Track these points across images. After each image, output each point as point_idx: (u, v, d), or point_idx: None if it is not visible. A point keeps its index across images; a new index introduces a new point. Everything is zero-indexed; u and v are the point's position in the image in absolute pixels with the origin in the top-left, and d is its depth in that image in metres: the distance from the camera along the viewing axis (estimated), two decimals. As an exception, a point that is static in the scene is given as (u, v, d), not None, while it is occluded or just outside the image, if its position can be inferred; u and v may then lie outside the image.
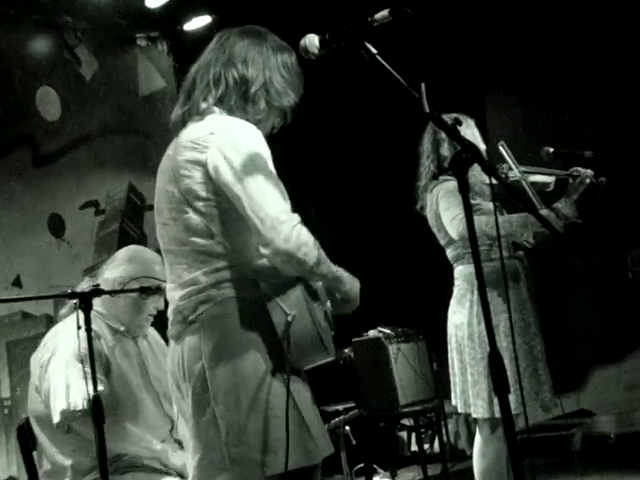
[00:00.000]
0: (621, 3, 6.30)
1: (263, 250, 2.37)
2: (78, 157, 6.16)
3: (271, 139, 2.57)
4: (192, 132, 2.49)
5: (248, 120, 2.52)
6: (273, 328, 2.36)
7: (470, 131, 4.15)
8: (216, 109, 2.52)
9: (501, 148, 4.04)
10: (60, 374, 3.35)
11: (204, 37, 6.56)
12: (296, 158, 8.06)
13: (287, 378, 2.35)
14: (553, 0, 6.56)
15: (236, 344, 2.38)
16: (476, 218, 3.33)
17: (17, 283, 5.59)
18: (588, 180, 4.08)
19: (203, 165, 2.42)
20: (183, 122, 2.55)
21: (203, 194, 2.43)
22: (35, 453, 3.45)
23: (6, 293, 5.43)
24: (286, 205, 2.41)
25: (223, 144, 2.40)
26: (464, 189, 2.15)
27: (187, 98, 2.58)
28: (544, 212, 4.12)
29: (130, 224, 6.47)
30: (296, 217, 2.41)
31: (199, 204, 2.43)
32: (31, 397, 3.47)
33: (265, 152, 2.45)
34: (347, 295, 2.61)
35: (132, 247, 3.86)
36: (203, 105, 2.53)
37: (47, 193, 5.96)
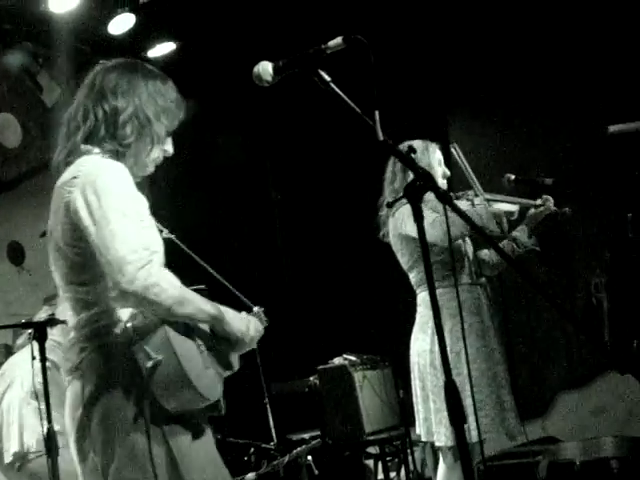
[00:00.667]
0: (581, 32, 6.37)
1: (112, 293, 2.35)
2: (38, 184, 6.08)
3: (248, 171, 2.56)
4: (63, 177, 2.49)
5: (119, 149, 2.52)
6: (140, 374, 2.33)
7: (434, 157, 4.17)
8: (90, 148, 2.51)
9: (453, 151, 4.06)
10: (15, 413, 3.30)
11: (168, 64, 6.67)
12: (265, 193, 8.09)
13: (147, 427, 2.32)
14: (514, 27, 6.61)
15: (108, 392, 2.37)
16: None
17: (-26, 311, 5.50)
18: (549, 211, 4.12)
19: (68, 209, 2.41)
20: (65, 166, 2.52)
21: (71, 241, 2.42)
22: None
23: (-36, 322, 5.33)
24: (137, 245, 2.34)
25: (84, 187, 2.38)
26: (418, 217, 2.15)
27: (66, 140, 2.57)
28: (503, 242, 4.15)
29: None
30: (147, 256, 2.34)
31: (70, 251, 2.43)
32: None
33: (126, 191, 2.43)
34: (230, 335, 2.55)
35: None
36: (78, 145, 2.52)
37: (6, 220, 5.90)
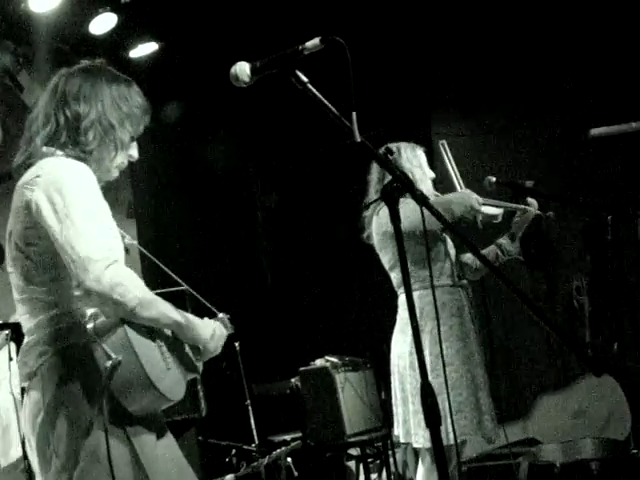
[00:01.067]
0: (565, 36, 6.40)
1: (76, 292, 2.34)
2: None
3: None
4: (24, 177, 2.47)
5: (81, 155, 2.50)
6: (100, 375, 2.29)
7: (417, 160, 4.18)
8: (52, 150, 2.49)
9: (442, 148, 4.08)
10: (10, 416, 3.28)
11: (150, 64, 6.65)
12: (249, 196, 8.09)
13: (105, 428, 2.28)
14: (499, 29, 6.63)
15: (69, 394, 2.35)
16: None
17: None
18: (533, 215, 4.14)
19: (28, 208, 2.39)
20: (25, 168, 2.50)
21: (32, 240, 2.41)
22: None
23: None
24: (103, 244, 2.34)
25: (47, 186, 2.37)
26: (395, 218, 2.15)
27: (27, 143, 2.55)
28: (489, 248, 4.18)
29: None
30: (113, 256, 2.33)
31: (30, 250, 2.41)
32: None
33: (90, 190, 2.42)
34: (194, 342, 2.54)
35: None
36: (38, 148, 2.50)
37: (-14, 221, 5.85)
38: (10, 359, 3.03)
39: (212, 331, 2.58)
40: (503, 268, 4.33)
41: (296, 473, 3.62)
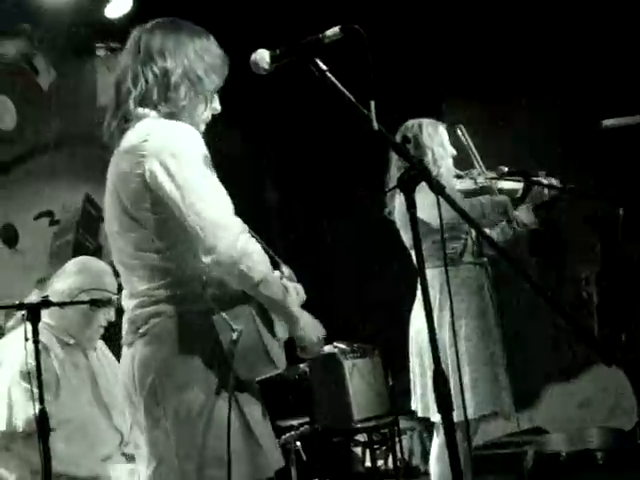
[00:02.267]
0: (578, 26, 6.39)
1: (205, 259, 2.30)
2: (33, 167, 6.07)
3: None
4: (126, 141, 2.43)
5: (175, 110, 2.47)
6: (219, 343, 2.33)
7: (438, 137, 4.18)
8: (147, 111, 2.45)
9: (459, 132, 4.09)
10: (3, 393, 3.30)
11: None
12: (260, 167, 8.08)
13: (229, 396, 2.32)
14: (513, 18, 6.61)
15: (184, 360, 2.36)
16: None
17: (-33, 293, 5.43)
18: (550, 191, 4.12)
19: (141, 175, 2.35)
20: (120, 132, 2.47)
21: (144, 205, 2.37)
22: None
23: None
24: (228, 209, 2.36)
25: (158, 150, 2.34)
26: (411, 206, 2.17)
27: (116, 108, 2.51)
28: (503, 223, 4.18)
29: (86, 235, 6.41)
30: (239, 223, 2.34)
31: (141, 216, 2.38)
32: None
33: (202, 153, 2.39)
34: (299, 340, 2.53)
35: (81, 258, 3.83)
36: (132, 110, 2.46)
37: (0, 203, 5.88)
38: (26, 339, 3.04)
39: (319, 334, 2.59)
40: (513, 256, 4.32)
41: (305, 457, 3.65)
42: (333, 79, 2.21)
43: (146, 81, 2.46)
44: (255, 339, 2.35)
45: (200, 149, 2.39)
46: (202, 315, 2.35)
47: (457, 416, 3.65)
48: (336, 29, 2.21)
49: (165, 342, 2.37)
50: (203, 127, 2.59)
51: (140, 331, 2.40)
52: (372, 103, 2.16)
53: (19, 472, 3.32)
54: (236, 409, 2.36)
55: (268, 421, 2.52)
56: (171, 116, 2.45)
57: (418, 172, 2.16)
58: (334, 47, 2.27)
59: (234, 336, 2.31)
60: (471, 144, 4.10)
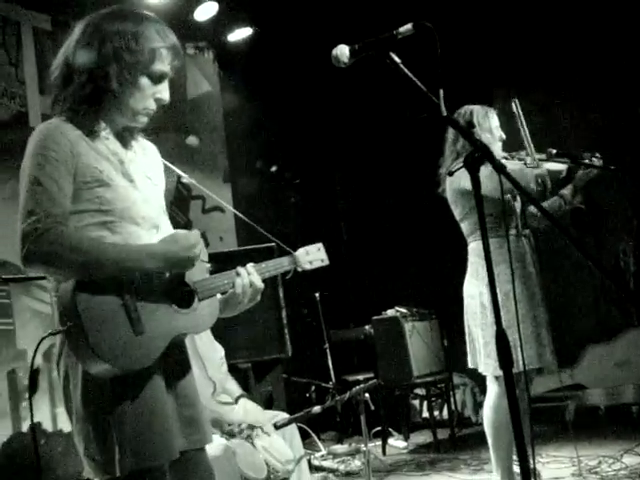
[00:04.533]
0: (616, 18, 6.24)
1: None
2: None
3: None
4: None
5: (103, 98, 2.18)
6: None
7: (493, 122, 4.14)
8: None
9: (513, 105, 4.03)
10: None
11: (245, 47, 6.68)
12: (327, 159, 8.09)
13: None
14: (555, 13, 6.48)
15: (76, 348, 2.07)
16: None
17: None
18: (596, 170, 4.04)
19: None
20: None
21: None
22: None
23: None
24: (37, 214, 2.05)
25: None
26: (476, 185, 2.16)
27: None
28: (552, 199, 4.12)
29: (178, 211, 6.51)
30: (44, 224, 2.03)
31: None
32: None
33: (44, 154, 2.10)
34: (164, 265, 2.16)
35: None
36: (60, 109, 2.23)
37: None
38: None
39: (173, 243, 2.18)
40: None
41: (372, 407, 3.66)
42: (407, 71, 2.19)
43: (65, 79, 2.24)
44: (82, 339, 1.99)
45: (44, 150, 2.11)
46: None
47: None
48: (409, 26, 2.20)
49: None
50: (143, 119, 2.26)
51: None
52: (441, 91, 2.14)
53: None
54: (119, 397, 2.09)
55: (162, 408, 2.15)
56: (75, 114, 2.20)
57: (482, 153, 2.14)
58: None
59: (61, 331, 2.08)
60: (523, 119, 4.01)
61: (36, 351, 2.20)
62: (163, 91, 2.25)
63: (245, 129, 7.09)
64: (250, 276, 2.38)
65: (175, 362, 2.26)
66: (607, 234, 6.59)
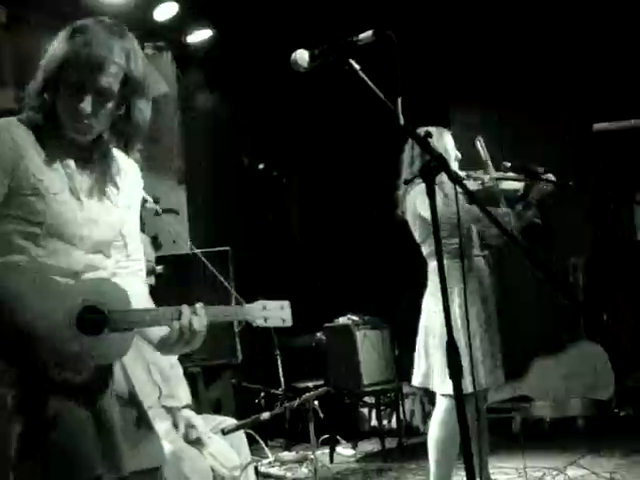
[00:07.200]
0: (573, 35, 6.34)
1: None
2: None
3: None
4: None
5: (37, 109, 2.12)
6: None
7: (448, 142, 4.17)
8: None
9: (477, 143, 4.07)
10: None
11: (205, 48, 6.64)
12: (284, 164, 8.07)
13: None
14: (513, 28, 6.55)
15: None
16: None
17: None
18: (552, 182, 4.09)
19: None
20: None
21: None
22: None
23: None
24: None
25: None
26: (431, 194, 2.15)
27: None
28: (504, 210, 4.15)
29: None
30: None
31: None
32: None
33: None
34: None
35: None
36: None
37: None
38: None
39: None
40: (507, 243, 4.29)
41: (322, 415, 3.65)
42: (365, 78, 2.19)
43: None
44: None
45: None
46: None
47: (468, 387, 3.68)
48: (369, 33, 2.19)
49: None
50: (82, 130, 2.13)
51: None
52: (399, 100, 2.14)
53: None
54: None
55: (88, 428, 2.05)
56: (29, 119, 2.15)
57: (438, 163, 2.14)
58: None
59: None
60: (487, 155, 4.09)
61: None
62: (84, 102, 2.07)
63: (202, 130, 7.05)
64: (192, 317, 2.16)
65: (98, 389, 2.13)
66: (557, 249, 6.67)
